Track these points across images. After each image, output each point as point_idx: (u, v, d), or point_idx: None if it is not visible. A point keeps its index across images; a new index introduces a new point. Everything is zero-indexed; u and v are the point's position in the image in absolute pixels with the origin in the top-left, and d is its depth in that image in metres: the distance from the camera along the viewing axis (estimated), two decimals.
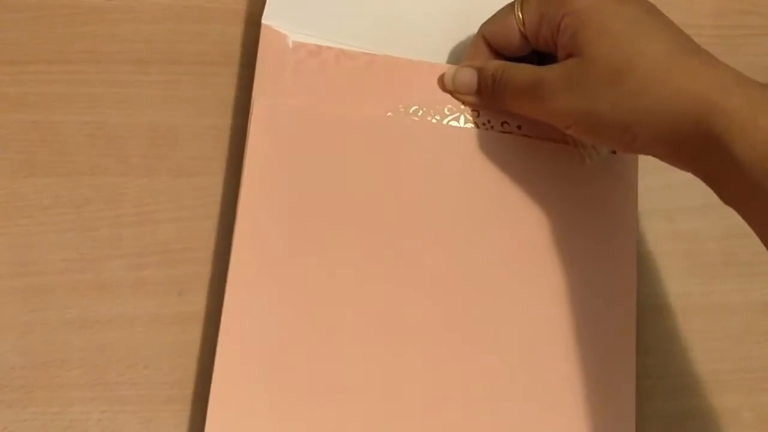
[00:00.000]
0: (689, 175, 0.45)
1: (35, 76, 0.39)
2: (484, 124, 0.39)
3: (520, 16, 0.37)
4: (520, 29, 0.37)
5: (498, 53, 0.40)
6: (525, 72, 0.37)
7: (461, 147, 0.39)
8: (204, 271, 0.39)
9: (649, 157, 0.45)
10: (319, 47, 0.38)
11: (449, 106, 0.39)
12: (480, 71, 0.39)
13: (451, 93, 0.40)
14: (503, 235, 0.38)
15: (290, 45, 0.38)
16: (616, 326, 0.38)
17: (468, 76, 0.39)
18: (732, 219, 0.45)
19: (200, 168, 0.40)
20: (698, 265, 0.44)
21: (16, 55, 0.39)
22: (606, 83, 0.33)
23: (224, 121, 0.41)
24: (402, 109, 0.39)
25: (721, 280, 0.44)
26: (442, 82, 0.40)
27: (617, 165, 0.40)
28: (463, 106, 0.40)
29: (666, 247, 0.44)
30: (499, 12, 0.39)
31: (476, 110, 0.40)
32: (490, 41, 0.39)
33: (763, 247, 0.44)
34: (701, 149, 0.32)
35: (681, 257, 0.44)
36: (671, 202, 0.44)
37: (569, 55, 0.35)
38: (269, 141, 0.37)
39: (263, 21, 0.38)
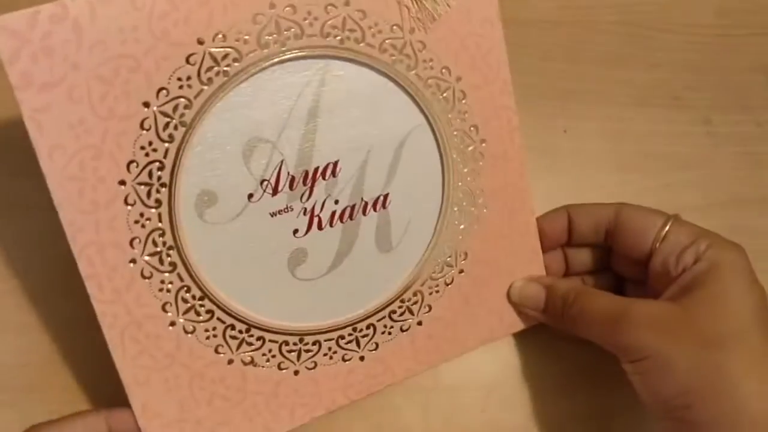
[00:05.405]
0: (689, 175, 0.45)
1: None
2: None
3: (665, 232, 0.35)
4: (653, 245, 0.35)
5: (569, 243, 0.38)
6: (604, 302, 0.34)
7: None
8: None
9: (649, 157, 0.45)
10: (64, 5, 0.29)
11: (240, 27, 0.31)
12: (549, 290, 0.36)
13: (516, 305, 0.38)
14: None
15: (22, 23, 0.28)
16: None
17: (536, 293, 0.37)
18: (732, 219, 0.45)
19: None
20: None
21: None
22: (693, 363, 0.31)
23: None
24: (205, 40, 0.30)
25: None
26: (508, 294, 0.38)
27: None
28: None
29: None
30: (637, 214, 0.36)
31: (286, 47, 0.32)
32: (586, 231, 0.37)
33: (764, 247, 0.44)
34: None
35: None
36: (671, 202, 0.44)
37: (676, 294, 0.33)
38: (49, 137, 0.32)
39: None
